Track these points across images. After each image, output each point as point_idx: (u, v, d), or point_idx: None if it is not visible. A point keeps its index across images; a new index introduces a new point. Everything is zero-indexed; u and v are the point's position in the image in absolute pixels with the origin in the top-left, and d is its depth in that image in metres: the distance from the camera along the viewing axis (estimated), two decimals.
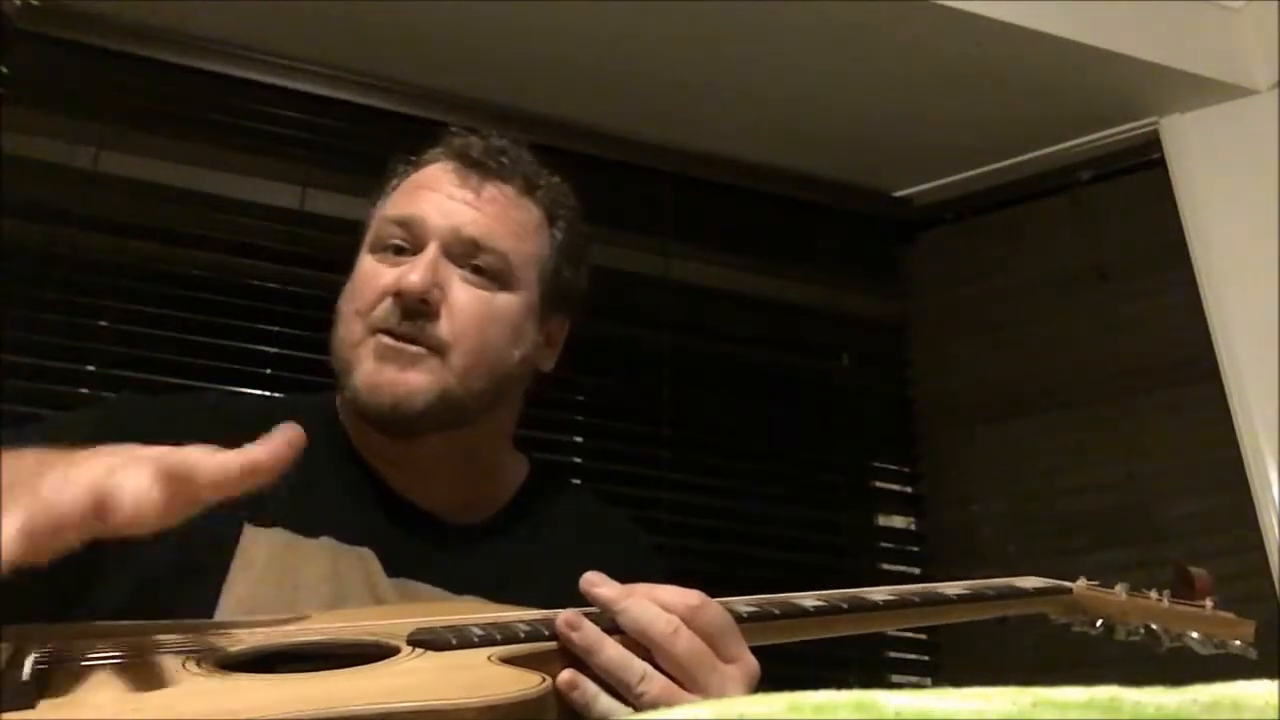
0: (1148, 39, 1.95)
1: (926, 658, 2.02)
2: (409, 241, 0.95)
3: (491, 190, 0.97)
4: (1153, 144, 2.07)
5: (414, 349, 0.91)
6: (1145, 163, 2.09)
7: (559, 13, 1.85)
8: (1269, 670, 0.36)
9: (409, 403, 0.90)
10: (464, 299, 0.93)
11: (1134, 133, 2.09)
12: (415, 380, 0.90)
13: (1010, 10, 1.86)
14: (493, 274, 0.95)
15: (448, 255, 0.94)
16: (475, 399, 0.93)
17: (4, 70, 1.78)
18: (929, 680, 2.01)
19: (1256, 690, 0.32)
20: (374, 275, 0.95)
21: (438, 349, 0.91)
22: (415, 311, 0.91)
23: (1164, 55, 1.95)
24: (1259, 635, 0.98)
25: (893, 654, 2.03)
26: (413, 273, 0.91)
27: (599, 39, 1.91)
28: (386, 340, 0.91)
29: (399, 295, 0.91)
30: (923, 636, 2.02)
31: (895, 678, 2.01)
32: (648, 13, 1.85)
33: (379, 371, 0.90)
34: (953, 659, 1.96)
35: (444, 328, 0.92)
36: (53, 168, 1.78)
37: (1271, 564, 1.72)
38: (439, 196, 0.96)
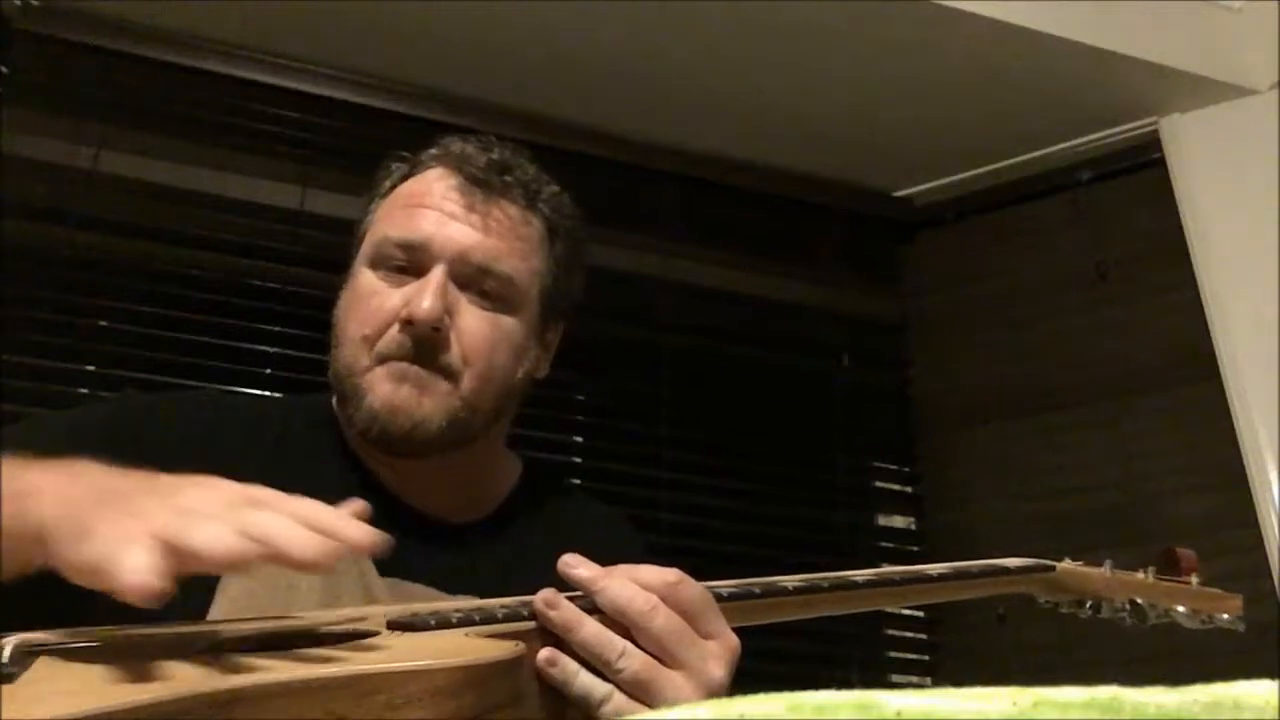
0: (1148, 39, 1.95)
1: (926, 658, 2.02)
2: (411, 262, 0.93)
3: (496, 212, 0.95)
4: (1153, 144, 2.07)
5: (427, 373, 0.90)
6: (1145, 163, 2.09)
7: (559, 12, 1.85)
8: (1269, 670, 0.36)
9: (424, 428, 0.90)
10: (472, 324, 0.92)
11: (1134, 133, 2.09)
12: (430, 406, 0.90)
13: (1010, 10, 1.86)
14: (499, 296, 0.94)
15: (453, 278, 0.92)
16: (482, 420, 0.94)
17: (4, 70, 1.78)
18: (929, 680, 2.01)
19: (1257, 690, 0.32)
20: (378, 295, 0.93)
21: (448, 375, 0.91)
22: (426, 340, 0.90)
23: (1164, 55, 1.95)
24: (1261, 631, 0.98)
25: (893, 654, 2.03)
26: (423, 299, 0.89)
27: (599, 39, 1.91)
28: (400, 364, 0.90)
29: (409, 323, 0.89)
30: (923, 637, 2.03)
31: (895, 678, 2.01)
32: (648, 13, 1.85)
33: (395, 393, 0.90)
34: (953, 659, 1.96)
35: (455, 354, 0.91)
36: (53, 168, 1.78)
37: (1271, 564, 1.72)
38: (441, 216, 0.94)
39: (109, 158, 1.82)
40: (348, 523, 0.59)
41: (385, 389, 0.90)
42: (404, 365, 0.90)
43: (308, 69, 1.96)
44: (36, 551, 0.60)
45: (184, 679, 0.50)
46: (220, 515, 0.57)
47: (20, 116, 1.75)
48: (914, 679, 2.02)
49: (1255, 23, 2.01)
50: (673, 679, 0.66)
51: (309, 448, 0.97)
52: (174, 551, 0.54)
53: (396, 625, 0.64)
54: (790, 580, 0.78)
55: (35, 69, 1.82)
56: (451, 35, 1.91)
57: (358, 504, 0.68)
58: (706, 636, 0.69)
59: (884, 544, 2.17)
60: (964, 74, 1.97)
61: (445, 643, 0.60)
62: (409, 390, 0.90)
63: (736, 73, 1.99)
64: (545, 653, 0.64)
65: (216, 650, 0.56)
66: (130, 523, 0.56)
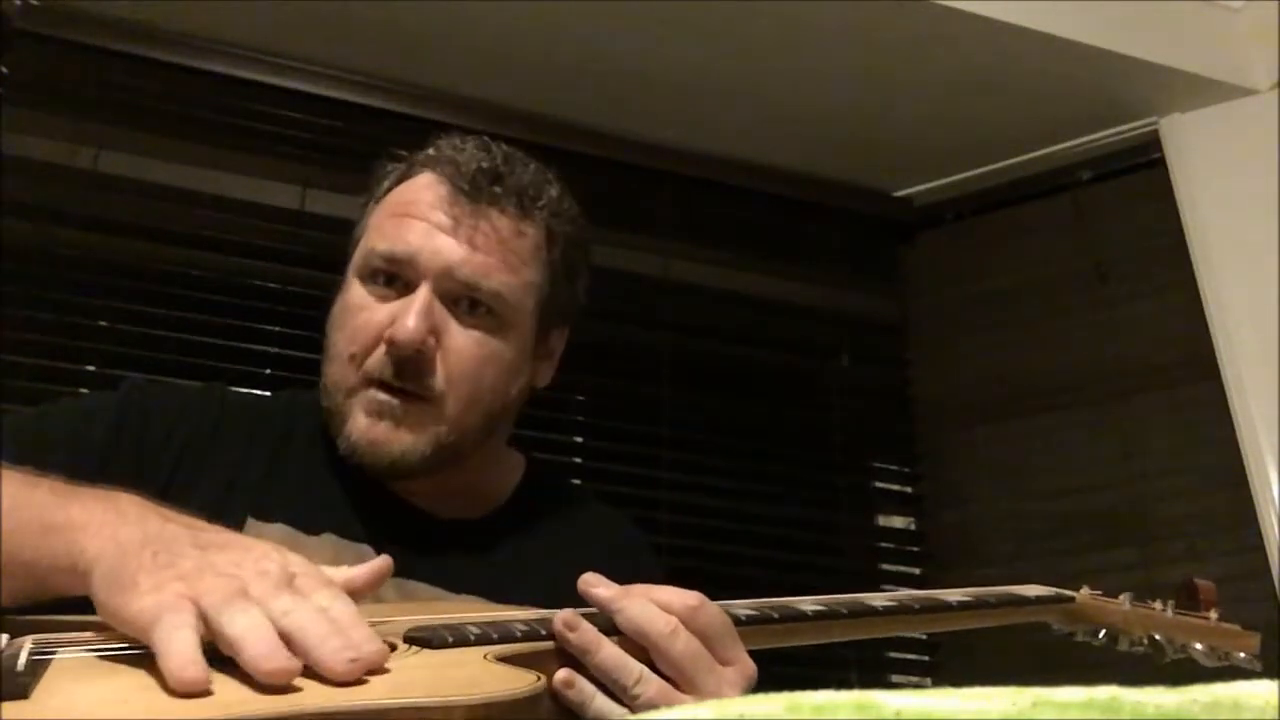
0: (1148, 39, 1.95)
1: (926, 658, 2.02)
2: (399, 275, 0.92)
3: (485, 225, 0.92)
4: (1153, 144, 2.07)
5: (406, 406, 0.90)
6: (1145, 163, 2.09)
7: (559, 13, 1.85)
8: (1269, 670, 0.36)
9: (404, 461, 0.90)
10: (460, 344, 0.91)
11: (1134, 133, 2.09)
12: (409, 439, 0.90)
13: (1010, 10, 1.86)
14: (488, 313, 0.92)
15: (440, 295, 0.91)
16: (470, 439, 0.93)
17: (4, 70, 1.78)
18: (929, 680, 2.01)
19: (1257, 690, 0.32)
20: (365, 310, 0.92)
21: (431, 399, 0.90)
22: (409, 362, 0.89)
23: (1164, 55, 1.95)
24: (1262, 643, 0.98)
25: (893, 654, 2.03)
26: (406, 319, 0.88)
27: (599, 39, 1.91)
28: (380, 396, 0.90)
29: (392, 344, 0.89)
30: (922, 637, 2.02)
31: (895, 678, 2.01)
32: (648, 13, 1.85)
33: (372, 428, 0.90)
34: (953, 659, 1.96)
35: (439, 377, 0.90)
36: (53, 168, 1.78)
37: (1271, 564, 1.72)
38: (428, 228, 0.91)
39: (109, 158, 1.82)
40: (372, 641, 0.58)
41: (363, 423, 0.90)
42: (382, 398, 0.90)
43: (308, 69, 1.96)
44: (72, 583, 0.62)
45: (188, 703, 0.49)
46: (259, 597, 0.57)
47: (20, 116, 1.75)
48: (914, 679, 2.02)
49: (1255, 23, 2.01)
50: None
51: (310, 447, 0.97)
52: (208, 625, 0.55)
53: (414, 640, 0.64)
54: (809, 605, 0.77)
55: (35, 69, 1.82)
56: (451, 35, 1.91)
57: (383, 561, 0.71)
58: (725, 663, 0.69)
59: (884, 544, 2.16)
60: (964, 74, 1.97)
61: (464, 670, 0.60)
62: (386, 426, 0.89)
63: (736, 72, 1.99)
64: (562, 674, 0.64)
65: (232, 661, 0.56)
66: (172, 582, 0.57)
